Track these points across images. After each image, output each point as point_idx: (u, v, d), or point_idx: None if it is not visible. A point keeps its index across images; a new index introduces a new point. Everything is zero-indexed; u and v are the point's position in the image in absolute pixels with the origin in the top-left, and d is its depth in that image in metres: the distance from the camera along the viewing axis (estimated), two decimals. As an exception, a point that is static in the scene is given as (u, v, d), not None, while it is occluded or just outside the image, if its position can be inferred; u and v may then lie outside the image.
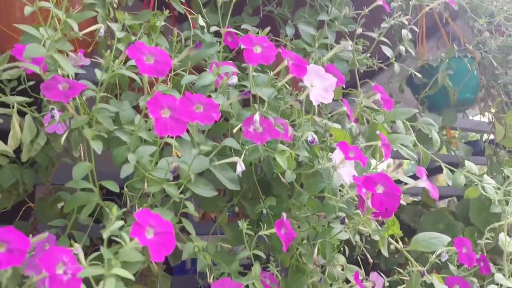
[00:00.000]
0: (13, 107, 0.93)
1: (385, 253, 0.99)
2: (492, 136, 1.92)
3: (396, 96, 1.83)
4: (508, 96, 1.88)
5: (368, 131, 1.28)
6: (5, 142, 0.94)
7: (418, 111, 1.26)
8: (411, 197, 3.54)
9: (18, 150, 0.99)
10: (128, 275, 0.60)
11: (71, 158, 1.03)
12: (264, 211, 0.98)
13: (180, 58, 0.85)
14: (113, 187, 0.80)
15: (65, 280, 0.59)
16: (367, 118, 1.32)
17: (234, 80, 0.77)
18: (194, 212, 0.86)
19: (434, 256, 0.94)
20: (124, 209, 0.68)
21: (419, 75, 1.30)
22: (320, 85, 0.86)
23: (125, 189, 0.82)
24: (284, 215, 0.84)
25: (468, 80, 1.85)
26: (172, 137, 0.87)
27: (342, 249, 1.06)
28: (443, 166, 1.25)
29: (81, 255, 0.60)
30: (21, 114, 0.97)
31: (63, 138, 0.80)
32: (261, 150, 0.90)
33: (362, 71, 1.29)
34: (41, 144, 1.00)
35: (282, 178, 0.97)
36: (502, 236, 0.94)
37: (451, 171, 1.25)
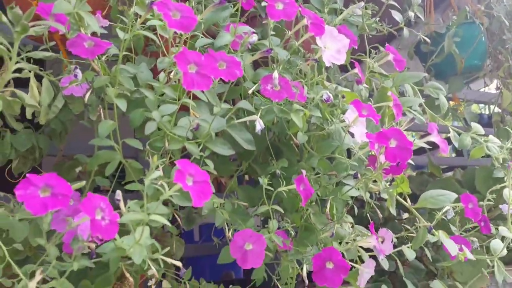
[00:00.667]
0: (30, 71, 0.98)
1: (393, 211, 1.07)
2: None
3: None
4: (516, 61, 1.93)
5: (377, 95, 1.34)
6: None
7: (426, 74, 1.32)
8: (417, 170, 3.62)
9: (32, 116, 1.06)
10: (164, 220, 0.67)
11: (87, 121, 1.09)
12: (278, 172, 1.05)
13: (205, 14, 0.90)
14: (136, 144, 0.86)
15: (103, 225, 0.65)
16: (376, 84, 1.38)
17: (254, 38, 0.82)
18: (213, 170, 0.92)
19: (440, 213, 1.02)
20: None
21: (428, 40, 1.34)
22: (333, 47, 0.91)
23: (147, 147, 0.89)
24: (304, 171, 0.91)
25: (476, 47, 1.90)
26: (190, 97, 0.93)
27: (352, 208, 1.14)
28: (450, 129, 1.31)
29: (121, 202, 0.66)
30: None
31: (86, 96, 0.86)
32: (276, 110, 0.97)
33: (371, 36, 1.35)
34: (59, 106, 1.06)
35: (294, 139, 1.04)
36: (506, 191, 1.02)
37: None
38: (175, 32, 1.06)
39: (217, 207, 0.96)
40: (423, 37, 1.36)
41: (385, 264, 1.10)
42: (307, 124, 1.06)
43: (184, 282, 1.11)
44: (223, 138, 1.00)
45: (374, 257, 1.02)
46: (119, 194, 0.66)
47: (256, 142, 1.12)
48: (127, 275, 0.91)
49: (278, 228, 1.06)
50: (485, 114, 2.63)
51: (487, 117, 2.51)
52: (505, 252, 1.01)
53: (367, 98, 1.36)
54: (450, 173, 2.74)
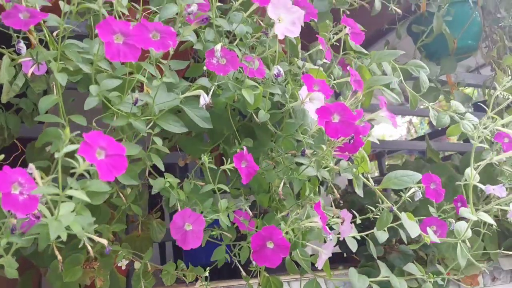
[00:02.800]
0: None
1: (359, 192, 1.01)
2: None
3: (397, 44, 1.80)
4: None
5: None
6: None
7: (403, 52, 1.24)
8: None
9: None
10: (83, 196, 0.63)
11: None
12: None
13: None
14: (80, 120, 0.82)
15: (21, 200, 0.61)
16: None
17: (193, 8, 0.76)
18: (164, 148, 0.88)
19: (407, 194, 0.95)
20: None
21: (399, 11, 1.26)
22: (287, 19, 0.85)
23: (93, 123, 0.84)
24: (245, 148, 0.86)
25: (470, 26, 1.80)
26: (144, 75, 0.89)
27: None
28: (429, 108, 1.24)
29: (37, 175, 0.62)
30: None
31: (29, 71, 0.82)
32: (231, 86, 0.91)
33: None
34: (19, 84, 1.02)
35: (255, 117, 0.98)
36: (468, 170, 0.94)
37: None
38: (132, 5, 1.02)
39: (171, 186, 0.91)
40: (395, 8, 1.27)
41: (353, 246, 1.05)
42: (270, 102, 1.01)
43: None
44: (178, 116, 0.95)
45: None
46: (31, 167, 0.62)
47: (227, 121, 1.07)
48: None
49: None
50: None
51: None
52: (469, 234, 0.94)
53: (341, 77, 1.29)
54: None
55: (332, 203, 1.01)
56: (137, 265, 1.15)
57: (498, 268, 1.74)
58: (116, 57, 0.66)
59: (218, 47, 0.78)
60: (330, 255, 0.91)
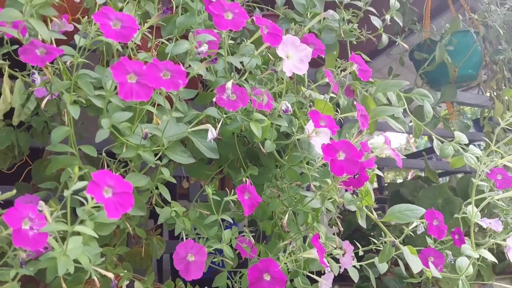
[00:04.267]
0: (4, 71, 0.95)
1: (362, 223, 1.00)
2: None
3: (395, 69, 1.80)
4: (511, 73, 1.83)
5: (361, 104, 1.28)
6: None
7: (408, 83, 1.24)
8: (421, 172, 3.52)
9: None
10: (91, 232, 0.63)
11: (60, 122, 1.05)
12: (244, 180, 0.99)
13: (150, 24, 0.85)
14: (91, 151, 0.82)
15: (31, 235, 0.61)
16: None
17: (203, 48, 0.76)
18: (170, 178, 0.87)
19: (409, 227, 0.95)
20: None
21: (405, 45, 1.26)
22: (295, 56, 0.85)
23: (103, 154, 0.84)
24: (248, 180, 0.85)
25: (471, 56, 1.81)
26: (154, 105, 0.89)
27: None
28: (433, 137, 1.24)
29: (46, 212, 0.62)
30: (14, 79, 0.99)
31: (43, 103, 0.82)
32: (239, 119, 0.91)
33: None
34: (31, 108, 1.02)
35: (262, 148, 0.98)
36: (470, 208, 0.94)
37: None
38: (145, 36, 1.02)
39: (176, 215, 0.91)
40: (402, 43, 1.27)
41: (355, 276, 1.04)
42: (276, 132, 1.01)
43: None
44: (187, 146, 0.95)
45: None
46: (41, 205, 0.62)
47: (233, 147, 1.07)
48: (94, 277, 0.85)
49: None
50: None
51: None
52: (471, 270, 0.93)
53: (351, 106, 1.29)
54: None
55: (335, 233, 1.00)
56: (137, 284, 1.13)
57: (493, 291, 1.73)
58: (129, 96, 0.66)
59: (229, 84, 0.78)
60: (330, 286, 0.90)
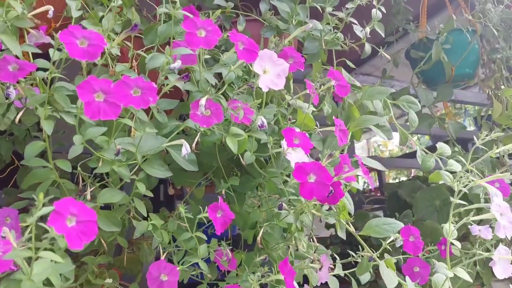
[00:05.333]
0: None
1: (342, 235, 1.01)
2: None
3: (390, 70, 1.79)
4: (510, 71, 1.81)
5: (345, 112, 1.27)
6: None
7: (394, 90, 1.23)
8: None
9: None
10: (56, 258, 0.63)
11: (40, 133, 1.06)
12: (224, 191, 1.00)
13: (120, 39, 0.85)
14: (66, 166, 0.83)
15: (-4, 259, 0.62)
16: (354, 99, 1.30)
17: (176, 64, 0.76)
18: (147, 192, 0.88)
19: (387, 241, 0.95)
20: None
21: (388, 56, 1.24)
22: (272, 71, 0.84)
23: (78, 168, 0.85)
24: (221, 198, 0.86)
25: (468, 55, 1.78)
26: (131, 118, 0.89)
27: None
28: (417, 148, 1.23)
29: (10, 237, 0.63)
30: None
31: (18, 116, 0.82)
32: (217, 133, 0.91)
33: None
34: (11, 118, 1.03)
35: (241, 160, 0.98)
36: (447, 226, 0.93)
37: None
38: (125, 44, 1.02)
39: (153, 228, 0.91)
40: (384, 54, 1.25)
41: (334, 286, 1.05)
42: (257, 143, 1.01)
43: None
44: (166, 158, 0.95)
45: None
46: (5, 231, 0.62)
47: (215, 157, 1.07)
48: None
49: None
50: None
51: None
52: (447, 286, 0.93)
53: (339, 112, 1.28)
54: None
55: (313, 246, 1.00)
56: (125, 292, 1.15)
57: (491, 293, 1.73)
58: (96, 115, 0.66)
59: (202, 102, 0.78)
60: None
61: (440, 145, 1.18)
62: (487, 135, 0.99)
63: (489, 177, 0.92)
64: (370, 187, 4.80)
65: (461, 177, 0.93)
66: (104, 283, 1.07)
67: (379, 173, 4.01)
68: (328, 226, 2.13)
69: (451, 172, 1.14)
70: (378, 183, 3.95)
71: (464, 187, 0.90)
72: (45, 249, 0.62)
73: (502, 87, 1.75)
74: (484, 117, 1.89)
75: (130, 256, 1.35)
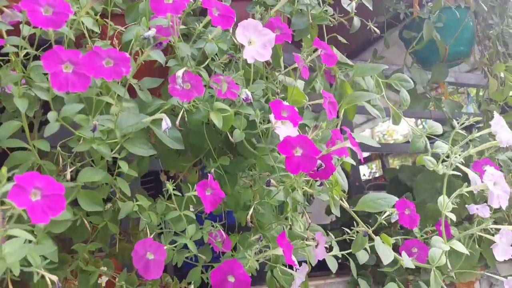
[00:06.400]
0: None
1: (336, 212, 0.96)
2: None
3: (381, 51, 1.74)
4: (506, 47, 1.75)
5: (337, 91, 1.22)
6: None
7: (387, 67, 1.18)
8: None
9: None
10: (26, 236, 0.59)
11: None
12: (212, 171, 0.95)
13: (86, 9, 0.79)
14: (44, 146, 0.78)
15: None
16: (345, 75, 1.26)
17: (150, 33, 0.71)
18: (131, 171, 0.83)
19: (382, 216, 0.90)
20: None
21: (377, 30, 1.19)
22: (258, 41, 0.79)
23: (58, 148, 0.80)
24: (210, 176, 0.81)
25: (462, 32, 1.73)
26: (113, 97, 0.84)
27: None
28: (409, 129, 1.18)
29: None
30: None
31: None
32: (201, 109, 0.86)
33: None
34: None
35: (230, 138, 0.93)
36: (441, 198, 0.89)
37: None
38: (106, 22, 0.97)
39: (139, 209, 0.87)
40: (373, 27, 1.19)
41: (333, 266, 1.00)
42: (246, 120, 0.96)
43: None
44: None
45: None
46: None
47: (209, 137, 1.02)
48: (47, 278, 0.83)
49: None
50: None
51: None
52: (443, 261, 0.88)
53: (331, 89, 1.23)
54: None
55: (307, 225, 0.96)
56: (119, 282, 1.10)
57: (496, 274, 1.68)
58: (64, 87, 0.61)
59: (179, 73, 0.73)
60: (304, 279, 0.86)
61: (431, 123, 1.13)
62: (467, 119, 0.94)
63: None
64: (375, 175, 4.75)
65: (444, 160, 0.88)
66: (96, 270, 1.02)
67: (383, 162, 3.96)
68: (329, 212, 2.08)
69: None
70: (382, 172, 3.90)
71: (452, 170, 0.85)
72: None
73: (498, 62, 1.70)
74: (482, 95, 1.84)
75: (127, 246, 1.31)
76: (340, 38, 1.13)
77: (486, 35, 1.75)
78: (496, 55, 1.73)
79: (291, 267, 0.94)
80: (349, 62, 1.26)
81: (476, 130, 1.77)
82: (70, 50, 0.62)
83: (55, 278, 0.63)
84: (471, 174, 0.93)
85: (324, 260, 0.98)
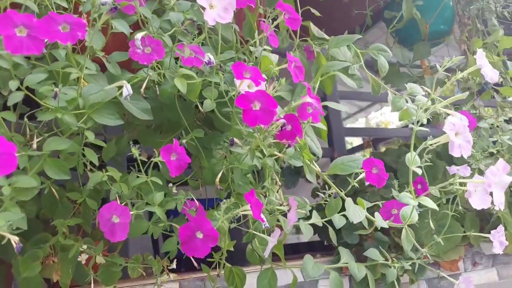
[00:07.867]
0: None
1: (311, 178, 0.94)
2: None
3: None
4: (484, 24, 1.73)
5: (315, 62, 1.20)
6: None
7: (361, 36, 1.16)
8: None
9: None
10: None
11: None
12: (184, 142, 0.94)
13: None
14: (9, 116, 0.77)
15: None
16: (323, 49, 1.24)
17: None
18: (98, 141, 0.82)
19: (356, 179, 0.89)
20: None
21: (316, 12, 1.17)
22: (219, 5, 0.78)
23: (25, 119, 0.79)
24: (175, 141, 0.80)
25: (442, 11, 1.71)
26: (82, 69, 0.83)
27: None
28: (389, 92, 1.16)
29: None
30: None
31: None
32: (168, 77, 0.85)
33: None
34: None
35: (200, 108, 0.92)
36: (409, 155, 0.87)
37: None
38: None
39: (108, 180, 0.85)
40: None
41: (308, 233, 0.98)
42: (217, 91, 0.95)
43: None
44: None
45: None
46: None
47: (185, 112, 1.01)
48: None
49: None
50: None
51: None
52: (415, 218, 0.86)
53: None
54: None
55: (280, 191, 0.94)
56: (98, 258, 1.09)
57: (479, 253, 1.65)
58: (18, 50, 0.61)
59: (138, 36, 0.72)
60: (276, 243, 0.85)
61: (410, 85, 1.11)
62: (449, 61, 0.92)
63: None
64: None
65: (421, 107, 0.87)
66: (75, 244, 1.01)
67: (375, 149, 3.93)
68: (315, 195, 2.07)
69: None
70: (371, 157, 3.87)
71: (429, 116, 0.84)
72: None
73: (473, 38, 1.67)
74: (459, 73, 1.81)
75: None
76: (313, 10, 1.11)
77: (466, 14, 1.73)
78: (476, 32, 1.71)
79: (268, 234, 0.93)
80: (326, 36, 1.24)
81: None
82: (24, 14, 0.61)
83: (15, 238, 0.62)
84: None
85: (309, 242, 0.97)
